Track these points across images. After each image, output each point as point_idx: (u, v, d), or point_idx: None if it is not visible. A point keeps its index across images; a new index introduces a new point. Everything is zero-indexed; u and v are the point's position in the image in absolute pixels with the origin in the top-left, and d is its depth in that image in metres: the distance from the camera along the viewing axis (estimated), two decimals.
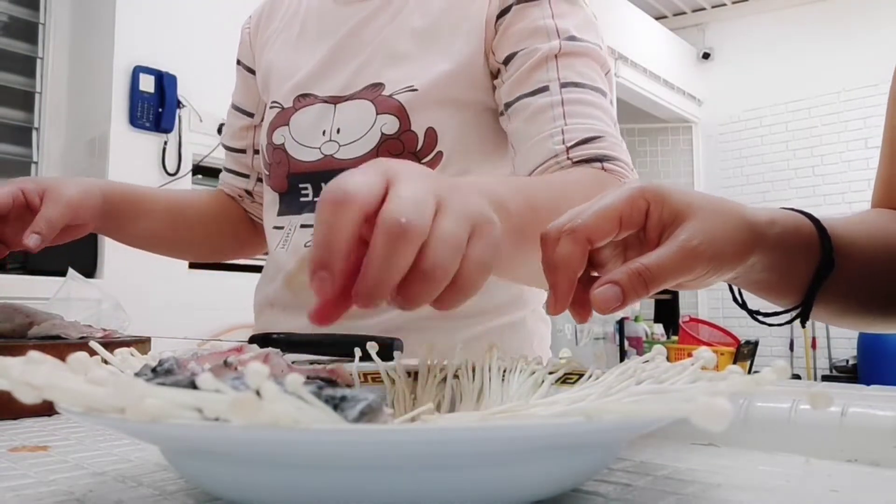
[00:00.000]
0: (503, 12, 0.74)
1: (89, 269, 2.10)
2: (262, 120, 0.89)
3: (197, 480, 0.24)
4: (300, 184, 0.79)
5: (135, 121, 2.30)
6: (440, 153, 0.74)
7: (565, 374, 0.36)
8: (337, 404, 0.22)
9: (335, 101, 0.78)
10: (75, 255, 1.83)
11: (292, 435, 0.18)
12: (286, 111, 0.82)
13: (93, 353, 0.30)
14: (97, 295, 0.95)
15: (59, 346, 0.53)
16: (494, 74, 0.75)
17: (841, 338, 5.01)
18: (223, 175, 0.98)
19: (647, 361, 0.33)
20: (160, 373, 0.26)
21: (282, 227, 0.81)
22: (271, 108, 0.84)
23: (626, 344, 3.95)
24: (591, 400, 0.30)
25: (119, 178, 2.25)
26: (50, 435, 0.38)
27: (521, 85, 0.72)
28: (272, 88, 0.85)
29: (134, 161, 2.30)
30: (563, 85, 0.71)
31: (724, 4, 5.81)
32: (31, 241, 0.64)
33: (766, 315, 0.49)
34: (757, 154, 5.69)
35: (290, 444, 0.19)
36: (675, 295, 4.96)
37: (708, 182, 5.87)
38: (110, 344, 0.47)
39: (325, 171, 0.77)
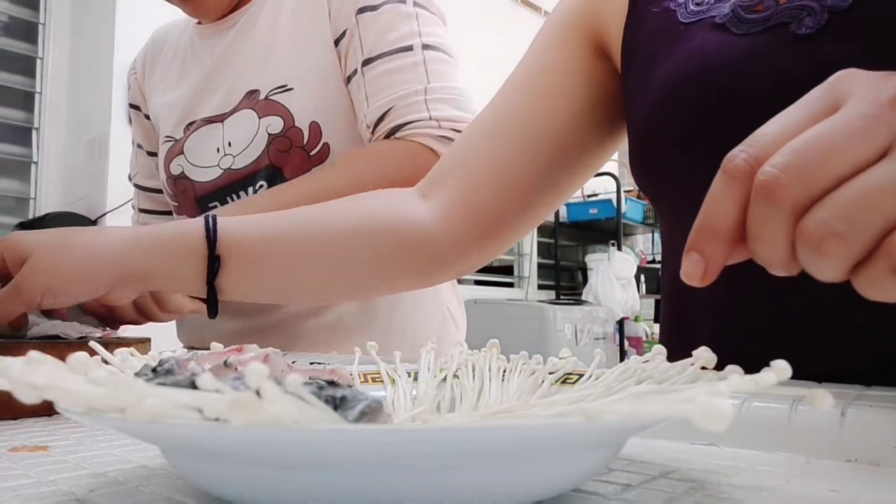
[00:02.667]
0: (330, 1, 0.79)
1: None
2: None
3: (197, 480, 0.24)
4: (209, 203, 0.84)
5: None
6: (326, 144, 0.78)
7: (565, 374, 0.36)
8: (337, 404, 0.22)
9: (221, 118, 0.83)
10: None
11: (292, 435, 0.18)
12: (178, 142, 0.87)
13: (93, 353, 0.30)
14: None
15: (59, 346, 0.52)
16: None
17: None
18: (141, 217, 1.02)
19: (647, 361, 0.33)
20: (160, 373, 0.26)
21: None
22: (165, 142, 0.90)
23: (626, 344, 3.95)
24: (591, 400, 0.30)
25: (119, 178, 2.25)
26: (50, 435, 0.38)
27: (345, 71, 0.77)
28: (162, 126, 0.91)
29: None
30: (364, 63, 0.75)
31: None
32: None
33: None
34: None
35: (290, 444, 0.19)
36: None
37: None
38: (110, 344, 0.47)
39: (227, 186, 0.83)
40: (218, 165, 0.83)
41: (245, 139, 0.80)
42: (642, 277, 4.54)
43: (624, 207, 4.24)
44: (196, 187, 0.85)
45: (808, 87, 0.42)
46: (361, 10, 0.76)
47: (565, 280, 4.59)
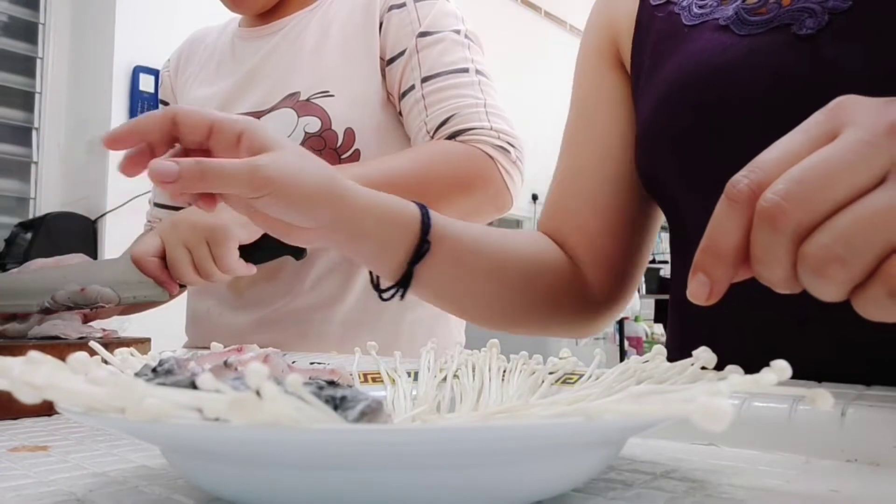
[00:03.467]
0: (381, 22, 0.85)
1: None
2: None
3: (197, 480, 0.24)
4: None
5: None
6: (358, 151, 0.83)
7: (565, 374, 0.37)
8: (337, 404, 0.22)
9: (258, 115, 0.86)
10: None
11: (292, 435, 0.18)
12: None
13: (93, 353, 0.30)
14: None
15: (59, 346, 0.53)
16: (385, 76, 0.85)
17: None
18: (154, 211, 1.04)
19: (647, 361, 0.33)
20: (160, 373, 0.26)
21: None
22: None
23: (626, 344, 3.95)
24: (591, 400, 0.30)
25: (119, 178, 2.24)
26: (50, 435, 0.38)
27: (400, 87, 0.83)
28: None
29: None
30: (424, 80, 0.82)
31: None
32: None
33: (382, 290, 0.55)
34: None
35: (290, 444, 0.19)
36: None
37: None
38: (110, 344, 0.47)
39: None
40: None
41: (282, 134, 0.83)
42: (642, 277, 4.54)
43: None
44: None
45: (807, 87, 0.42)
46: (422, 35, 0.82)
47: None
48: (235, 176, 0.42)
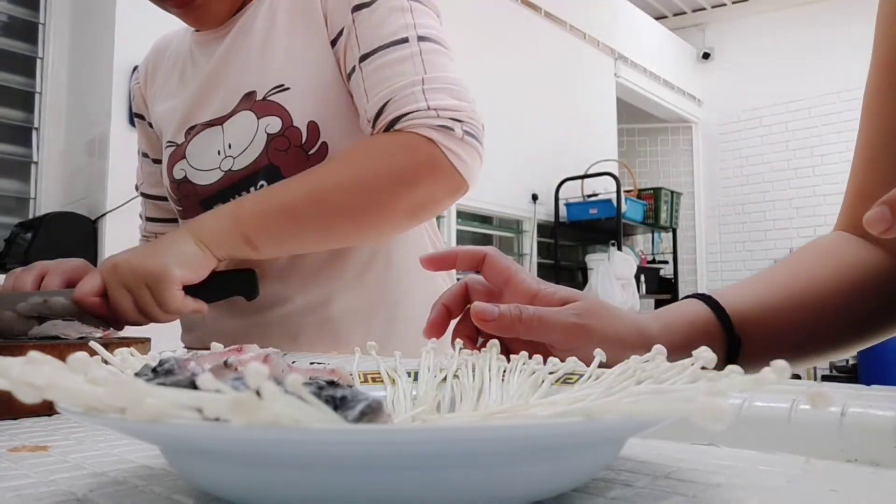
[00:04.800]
0: (324, 1, 0.79)
1: None
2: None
3: (197, 480, 0.24)
4: (212, 206, 0.83)
5: (134, 121, 2.30)
6: (325, 144, 0.78)
7: (565, 374, 0.36)
8: (337, 404, 0.22)
9: (220, 121, 0.83)
10: (75, 257, 1.83)
11: (292, 435, 0.18)
12: (180, 147, 0.87)
13: (93, 353, 0.30)
14: None
15: (59, 346, 0.53)
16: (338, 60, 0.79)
17: None
18: (148, 226, 1.02)
19: (647, 361, 0.33)
20: (160, 373, 0.26)
21: None
22: (167, 147, 0.90)
23: None
24: (591, 400, 0.30)
25: (119, 178, 2.25)
26: (50, 435, 0.38)
27: (345, 70, 0.78)
28: (164, 132, 0.91)
29: (134, 161, 2.30)
30: (362, 59, 0.75)
31: (724, 4, 5.81)
32: None
33: None
34: (757, 154, 5.69)
35: (290, 444, 0.19)
36: (674, 295, 4.97)
37: (708, 182, 5.88)
38: (110, 344, 0.47)
39: (229, 188, 0.82)
40: (219, 168, 0.82)
41: (244, 140, 0.80)
42: (642, 277, 4.54)
43: (624, 207, 4.24)
44: (199, 190, 0.84)
45: None
46: (357, 8, 0.76)
47: (565, 280, 4.59)
48: (553, 322, 0.44)
